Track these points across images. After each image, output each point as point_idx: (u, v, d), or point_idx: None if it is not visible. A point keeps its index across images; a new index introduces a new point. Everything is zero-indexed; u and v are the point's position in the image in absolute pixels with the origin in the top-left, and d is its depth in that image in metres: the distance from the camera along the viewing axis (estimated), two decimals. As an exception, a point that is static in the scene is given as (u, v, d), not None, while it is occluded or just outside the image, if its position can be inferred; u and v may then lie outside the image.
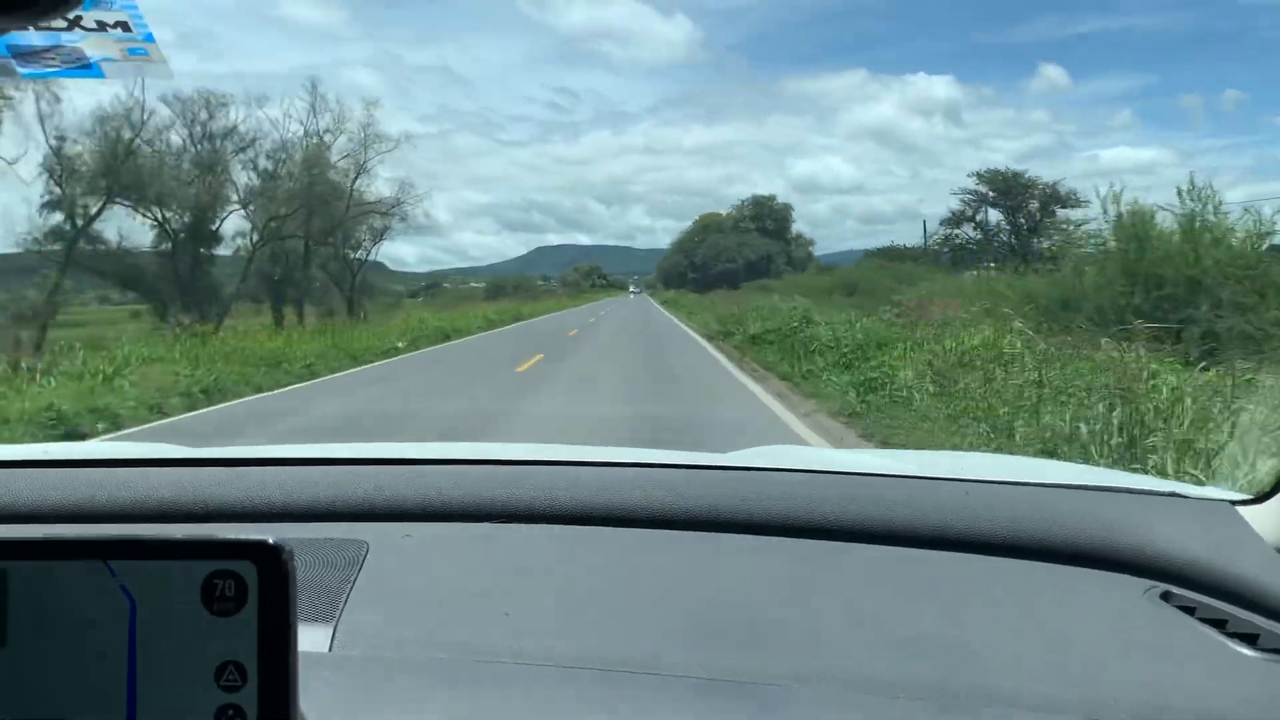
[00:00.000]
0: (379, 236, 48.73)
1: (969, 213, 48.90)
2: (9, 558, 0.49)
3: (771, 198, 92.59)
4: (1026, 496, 1.02)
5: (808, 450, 2.18)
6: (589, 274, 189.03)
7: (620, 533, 1.00)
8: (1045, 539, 0.95)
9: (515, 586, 0.88)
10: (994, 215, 47.75)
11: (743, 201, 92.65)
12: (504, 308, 41.61)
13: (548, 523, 1.02)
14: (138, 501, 1.02)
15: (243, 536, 0.49)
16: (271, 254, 37.75)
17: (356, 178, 41.15)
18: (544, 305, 59.19)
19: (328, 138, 37.24)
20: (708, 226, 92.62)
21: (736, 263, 76.86)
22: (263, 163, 34.46)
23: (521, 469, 1.11)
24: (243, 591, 0.48)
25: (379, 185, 45.43)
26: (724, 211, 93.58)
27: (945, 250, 48.12)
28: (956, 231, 48.84)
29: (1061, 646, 0.77)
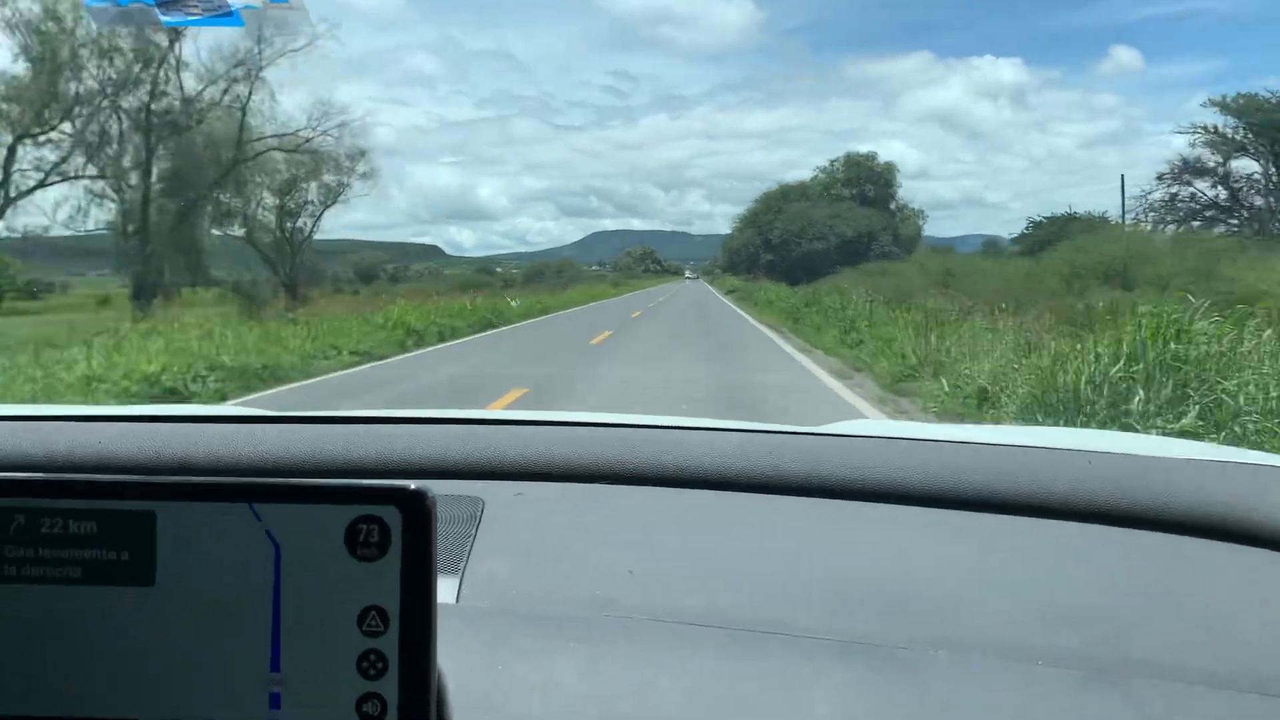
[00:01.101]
0: (331, 197, 33.83)
1: (1209, 162, 32.27)
2: (158, 499, 0.50)
3: (871, 156, 64.85)
4: (1151, 468, 0.98)
5: (912, 423, 1.98)
6: (642, 258, 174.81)
7: (733, 497, 0.97)
8: (1175, 511, 0.91)
9: (634, 546, 0.86)
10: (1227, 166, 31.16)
11: (833, 162, 65.11)
12: (471, 307, 25.43)
13: (659, 485, 1.00)
14: (263, 456, 1.02)
15: (386, 483, 0.50)
16: (124, 213, 22.98)
17: (249, 95, 25.98)
18: (565, 297, 41.84)
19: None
20: (788, 194, 64.06)
21: (828, 240, 54.40)
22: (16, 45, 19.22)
23: (631, 431, 1.10)
24: (385, 537, 0.49)
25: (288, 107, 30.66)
26: (807, 176, 67.03)
27: (1168, 218, 31.78)
28: (1189, 189, 32.33)
29: (1212, 620, 0.75)
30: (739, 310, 31.95)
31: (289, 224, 33.23)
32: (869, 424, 1.28)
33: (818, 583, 0.78)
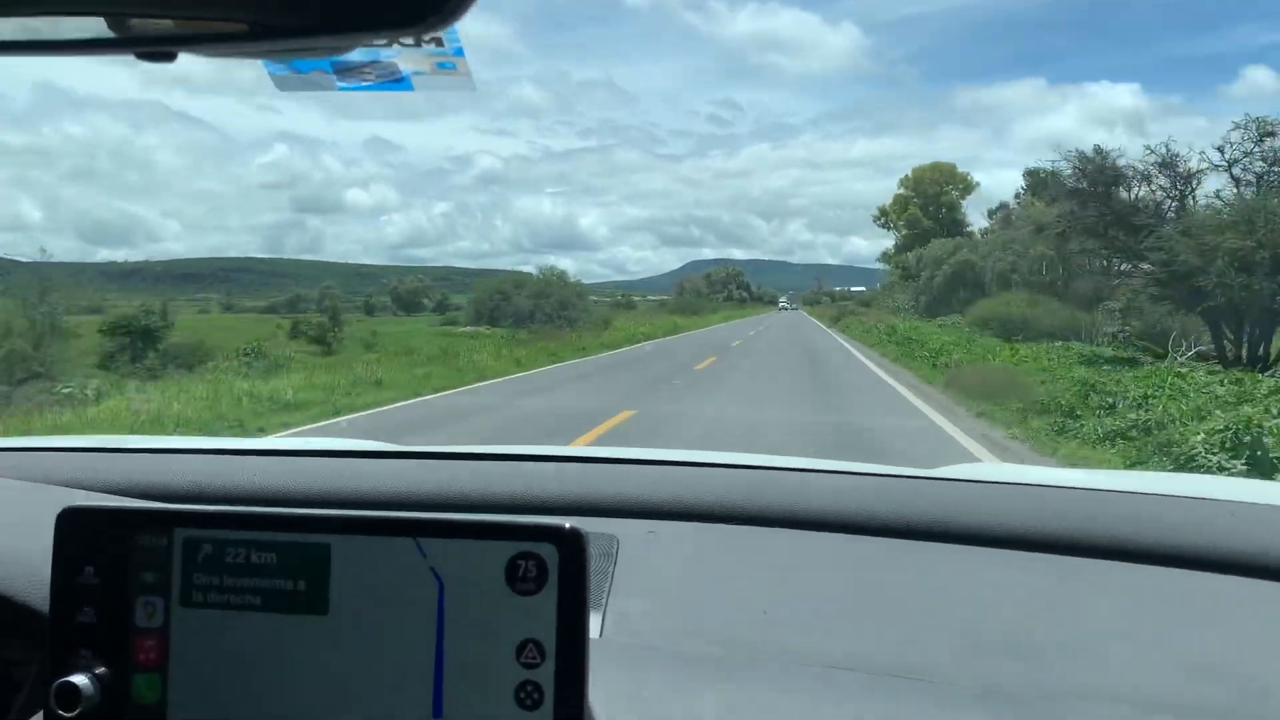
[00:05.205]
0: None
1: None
2: (332, 532, 0.53)
3: None
4: None
5: (1028, 467, 1.77)
6: (724, 283, 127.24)
7: (863, 540, 0.97)
8: None
9: (766, 586, 0.87)
10: None
11: None
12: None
13: (787, 527, 1.00)
14: (416, 492, 1.06)
15: (545, 520, 0.52)
16: None
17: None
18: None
19: None
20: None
21: None
22: None
23: (759, 473, 1.11)
24: (543, 573, 0.50)
25: None
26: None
27: None
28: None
29: None
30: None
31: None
32: (994, 469, 1.27)
33: (954, 629, 0.77)
